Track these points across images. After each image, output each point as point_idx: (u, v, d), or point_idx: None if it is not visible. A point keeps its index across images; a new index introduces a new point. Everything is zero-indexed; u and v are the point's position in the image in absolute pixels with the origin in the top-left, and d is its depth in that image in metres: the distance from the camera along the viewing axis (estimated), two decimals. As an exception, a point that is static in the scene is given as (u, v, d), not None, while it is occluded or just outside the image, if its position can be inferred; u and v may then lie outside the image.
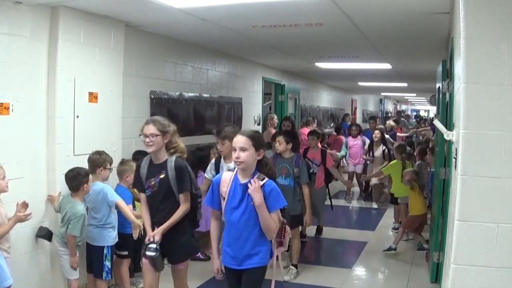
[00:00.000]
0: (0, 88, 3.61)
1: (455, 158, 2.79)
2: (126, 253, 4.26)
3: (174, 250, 3.37)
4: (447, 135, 2.93)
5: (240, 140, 2.90)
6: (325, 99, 14.32)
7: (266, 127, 8.42)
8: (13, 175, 3.56)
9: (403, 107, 32.48)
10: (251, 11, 4.29)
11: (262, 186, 2.86)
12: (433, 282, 4.57)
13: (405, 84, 13.33)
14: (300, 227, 5.36)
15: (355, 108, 18.57)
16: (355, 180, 9.24)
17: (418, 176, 5.97)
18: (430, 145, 7.21)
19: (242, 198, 2.92)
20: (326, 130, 12.47)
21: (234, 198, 2.94)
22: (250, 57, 8.11)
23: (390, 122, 12.23)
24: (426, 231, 6.17)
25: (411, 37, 5.48)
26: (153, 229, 3.34)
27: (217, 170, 4.22)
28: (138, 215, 3.99)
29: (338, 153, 9.08)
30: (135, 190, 3.91)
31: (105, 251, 3.98)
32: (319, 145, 6.45)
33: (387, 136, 10.06)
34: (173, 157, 3.36)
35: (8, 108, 3.67)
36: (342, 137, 10.01)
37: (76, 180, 3.85)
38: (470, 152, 2.57)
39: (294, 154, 4.94)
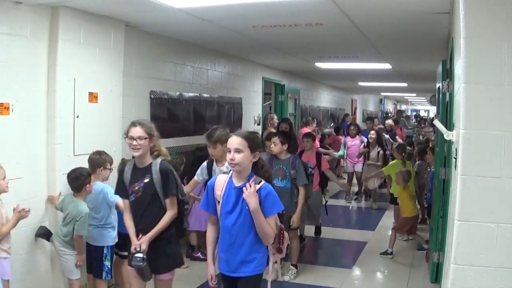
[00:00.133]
0: (0, 88, 3.61)
1: (455, 158, 2.79)
2: (126, 253, 4.24)
3: (158, 259, 3.13)
4: (447, 135, 2.93)
5: (235, 141, 2.78)
6: (325, 99, 14.32)
7: (266, 127, 8.41)
8: (13, 175, 3.56)
9: (403, 107, 32.45)
10: (251, 11, 4.30)
11: (258, 190, 2.74)
12: (433, 282, 4.56)
13: (405, 84, 13.33)
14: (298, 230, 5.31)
15: (355, 108, 18.57)
16: (355, 180, 9.23)
17: (410, 176, 5.96)
18: (430, 145, 7.21)
19: (236, 202, 2.80)
20: (326, 130, 12.46)
21: (228, 201, 2.82)
22: (250, 57, 8.11)
23: (389, 122, 12.23)
24: (426, 231, 6.18)
25: (411, 37, 5.48)
26: (137, 237, 3.14)
27: (210, 174, 4.08)
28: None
29: (335, 153, 9.10)
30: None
31: (105, 251, 3.98)
32: (318, 145, 6.42)
33: (386, 136, 10.08)
34: (158, 160, 3.18)
35: (8, 108, 3.67)
36: (342, 137, 10.01)
37: (78, 180, 3.86)
38: (470, 152, 2.56)
39: (291, 156, 4.83)
